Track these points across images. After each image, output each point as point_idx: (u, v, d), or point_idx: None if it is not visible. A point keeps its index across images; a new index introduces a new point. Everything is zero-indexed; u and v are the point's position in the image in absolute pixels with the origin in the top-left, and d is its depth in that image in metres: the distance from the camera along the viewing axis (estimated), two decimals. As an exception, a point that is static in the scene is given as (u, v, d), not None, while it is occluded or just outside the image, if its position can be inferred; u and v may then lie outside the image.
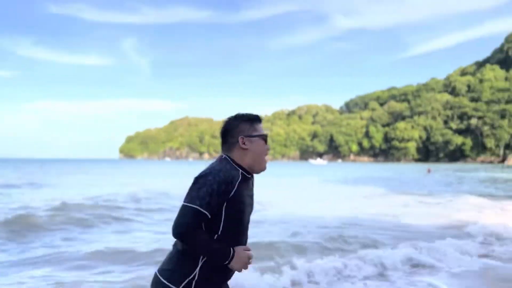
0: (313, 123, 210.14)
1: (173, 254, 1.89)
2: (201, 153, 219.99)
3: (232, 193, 1.82)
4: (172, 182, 25.49)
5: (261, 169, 1.95)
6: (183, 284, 1.81)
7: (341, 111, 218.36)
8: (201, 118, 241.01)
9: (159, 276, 1.85)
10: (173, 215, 1.80)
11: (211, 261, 1.82)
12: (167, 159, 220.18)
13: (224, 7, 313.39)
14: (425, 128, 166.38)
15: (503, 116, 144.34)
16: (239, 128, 1.94)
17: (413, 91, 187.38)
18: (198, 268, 1.83)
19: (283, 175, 37.10)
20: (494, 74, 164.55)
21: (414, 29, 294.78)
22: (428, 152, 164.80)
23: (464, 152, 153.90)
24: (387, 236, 7.64)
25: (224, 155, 1.94)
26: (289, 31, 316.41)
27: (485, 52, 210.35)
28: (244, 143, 1.92)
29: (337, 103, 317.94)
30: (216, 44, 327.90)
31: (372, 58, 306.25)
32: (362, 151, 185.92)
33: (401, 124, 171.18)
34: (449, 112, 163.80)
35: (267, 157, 1.98)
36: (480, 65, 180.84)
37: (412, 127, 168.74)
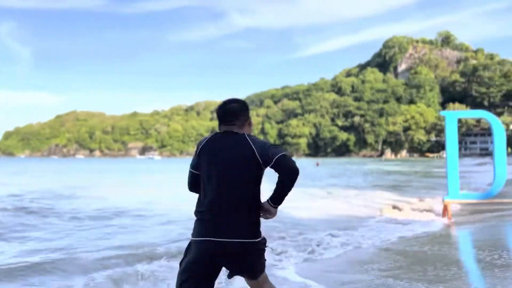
0: (211, 119, 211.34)
1: None
2: (91, 150, 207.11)
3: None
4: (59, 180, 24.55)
5: None
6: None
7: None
8: (91, 112, 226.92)
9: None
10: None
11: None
12: (54, 157, 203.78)
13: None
14: (314, 125, 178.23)
15: (381, 115, 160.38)
16: (248, 111, 2.59)
17: (304, 90, 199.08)
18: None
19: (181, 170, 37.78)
20: (374, 76, 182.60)
21: (306, 31, 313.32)
22: (318, 147, 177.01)
23: (348, 147, 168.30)
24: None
25: (242, 132, 2.49)
26: (187, 26, 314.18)
27: (367, 56, 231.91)
28: (250, 122, 2.62)
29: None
30: (110, 35, 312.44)
31: (267, 56, 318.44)
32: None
33: (293, 121, 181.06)
34: (335, 110, 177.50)
35: None
36: (362, 67, 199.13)
37: (303, 124, 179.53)
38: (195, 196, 2.50)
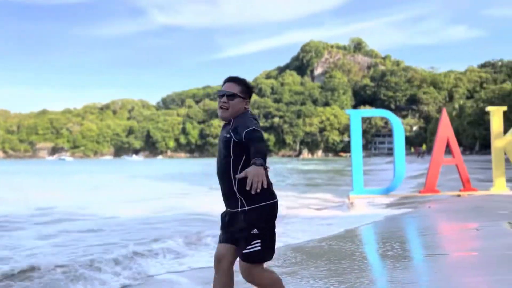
0: (128, 118, 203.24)
1: None
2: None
3: None
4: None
5: (219, 117, 2.65)
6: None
7: (157, 107, 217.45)
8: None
9: None
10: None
11: None
12: None
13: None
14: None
15: (299, 116, 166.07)
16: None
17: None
18: None
19: (93, 172, 35.72)
20: (292, 79, 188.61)
21: (227, 32, 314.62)
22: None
23: (268, 147, 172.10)
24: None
25: None
26: (102, 21, 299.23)
27: (285, 59, 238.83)
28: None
29: (154, 99, 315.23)
30: (15, 28, 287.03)
31: (188, 56, 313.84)
32: (179, 147, 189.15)
33: (215, 121, 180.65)
34: (256, 111, 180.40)
35: (219, 109, 2.61)
36: (282, 70, 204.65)
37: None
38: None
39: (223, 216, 2.58)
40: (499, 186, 10.20)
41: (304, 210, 10.47)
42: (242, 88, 2.60)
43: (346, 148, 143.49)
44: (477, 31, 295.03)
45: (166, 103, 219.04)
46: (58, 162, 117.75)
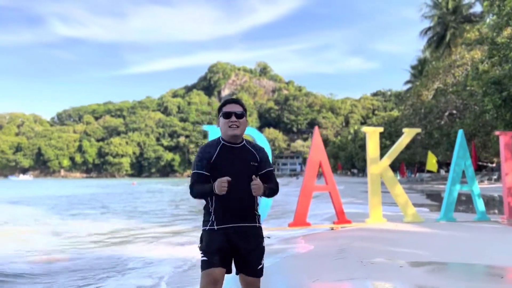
0: (17, 134, 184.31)
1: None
2: None
3: (213, 158, 2.60)
4: None
5: (229, 136, 2.63)
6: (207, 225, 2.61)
7: (52, 123, 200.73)
8: None
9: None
10: None
11: (209, 197, 2.59)
12: None
13: None
14: (139, 144, 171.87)
15: (205, 136, 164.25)
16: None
17: (129, 108, 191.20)
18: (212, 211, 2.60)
19: None
20: (200, 98, 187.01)
21: (134, 49, 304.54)
22: (142, 167, 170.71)
23: (173, 167, 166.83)
24: None
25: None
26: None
27: (193, 79, 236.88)
28: (217, 124, 2.75)
29: (48, 114, 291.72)
30: None
31: (90, 70, 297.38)
32: (74, 166, 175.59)
33: (116, 139, 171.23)
34: (161, 130, 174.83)
35: (230, 128, 2.59)
36: (189, 89, 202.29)
37: (127, 142, 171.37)
38: None
39: (224, 235, 2.57)
40: (375, 217, 9.09)
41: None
42: (245, 109, 2.73)
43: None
44: (371, 63, 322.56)
45: (62, 119, 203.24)
46: None
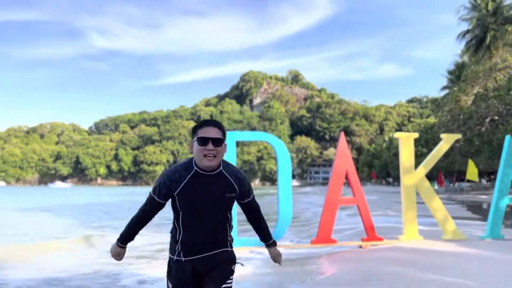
0: (57, 143, 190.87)
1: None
2: None
3: (180, 187, 2.30)
4: None
5: (203, 166, 2.29)
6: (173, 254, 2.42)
7: (90, 132, 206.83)
8: None
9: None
10: None
11: (176, 221, 2.39)
12: None
13: None
14: (172, 153, 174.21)
15: (236, 145, 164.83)
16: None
17: (163, 117, 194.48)
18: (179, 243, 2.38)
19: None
20: (232, 107, 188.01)
21: (168, 59, 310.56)
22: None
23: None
24: None
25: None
26: (35, 41, 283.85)
27: (225, 88, 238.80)
28: (190, 148, 2.38)
29: (86, 123, 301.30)
30: None
31: (126, 81, 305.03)
32: (110, 174, 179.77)
33: (150, 148, 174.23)
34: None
35: (204, 158, 2.26)
36: (221, 98, 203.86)
37: (161, 151, 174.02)
38: None
39: (192, 266, 2.38)
40: (410, 234, 8.09)
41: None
42: (224, 134, 2.35)
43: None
44: (405, 70, 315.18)
45: (99, 128, 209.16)
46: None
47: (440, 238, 8.27)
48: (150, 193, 2.36)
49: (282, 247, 8.00)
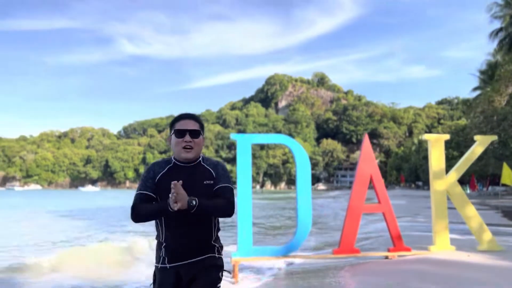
0: (87, 147, 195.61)
1: None
2: None
3: (158, 177, 2.30)
4: None
5: (181, 158, 2.32)
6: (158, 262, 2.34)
7: (118, 136, 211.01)
8: None
9: None
10: None
11: (157, 220, 2.28)
12: None
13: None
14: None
15: (262, 148, 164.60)
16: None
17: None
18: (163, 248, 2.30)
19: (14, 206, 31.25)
20: (257, 110, 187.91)
21: (195, 64, 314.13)
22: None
23: (231, 178, 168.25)
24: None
25: None
26: (67, 49, 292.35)
27: (251, 91, 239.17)
28: (168, 141, 2.44)
29: (115, 128, 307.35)
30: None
31: (154, 86, 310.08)
32: (138, 177, 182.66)
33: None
34: (220, 142, 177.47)
35: (182, 149, 2.30)
36: (246, 101, 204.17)
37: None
38: None
39: (176, 274, 2.30)
40: (441, 244, 7.46)
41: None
42: (201, 125, 2.43)
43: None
44: (434, 71, 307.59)
45: (128, 132, 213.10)
46: (5, 192, 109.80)
47: (474, 249, 7.60)
48: (136, 194, 2.31)
49: (302, 258, 7.51)
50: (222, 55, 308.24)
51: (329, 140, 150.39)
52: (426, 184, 75.64)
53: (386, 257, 7.31)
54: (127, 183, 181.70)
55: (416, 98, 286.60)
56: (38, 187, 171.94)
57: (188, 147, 2.28)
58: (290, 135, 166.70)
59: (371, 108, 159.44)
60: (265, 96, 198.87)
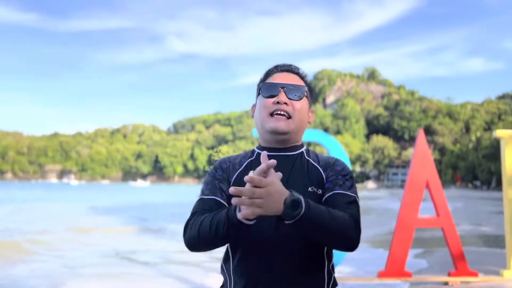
0: (138, 142, 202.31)
1: None
2: (2, 172, 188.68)
3: (235, 176, 1.43)
4: None
5: (268, 130, 1.41)
6: None
7: (168, 132, 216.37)
8: (5, 132, 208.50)
9: None
10: None
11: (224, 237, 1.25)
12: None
13: (51, 12, 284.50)
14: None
15: (309, 144, 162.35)
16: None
17: (236, 117, 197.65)
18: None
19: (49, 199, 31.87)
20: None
21: (243, 61, 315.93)
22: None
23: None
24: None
25: None
26: (121, 48, 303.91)
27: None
28: (251, 113, 1.54)
29: (165, 124, 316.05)
30: (37, 52, 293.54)
31: (202, 82, 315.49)
32: (187, 172, 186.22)
33: (224, 148, 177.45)
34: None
35: (270, 117, 1.41)
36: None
37: (234, 150, 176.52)
38: None
39: None
40: (519, 268, 5.92)
41: None
42: (308, 88, 1.50)
43: (358, 179, 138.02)
44: (494, 64, 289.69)
45: (177, 128, 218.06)
46: (60, 185, 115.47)
47: None
48: (197, 201, 1.43)
49: (340, 280, 6.24)
50: (270, 50, 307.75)
51: (380, 137, 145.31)
52: (484, 184, 70.76)
53: (446, 283, 5.85)
54: (176, 178, 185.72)
55: (474, 93, 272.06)
56: (106, 181, 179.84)
57: (281, 112, 1.39)
58: (338, 131, 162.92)
59: (425, 103, 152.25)
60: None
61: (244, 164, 1.43)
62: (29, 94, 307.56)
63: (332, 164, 1.41)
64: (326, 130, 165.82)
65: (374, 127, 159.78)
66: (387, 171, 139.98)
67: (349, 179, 1.38)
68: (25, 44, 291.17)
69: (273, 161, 1.15)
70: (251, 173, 1.14)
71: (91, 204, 27.20)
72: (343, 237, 1.24)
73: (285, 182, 1.26)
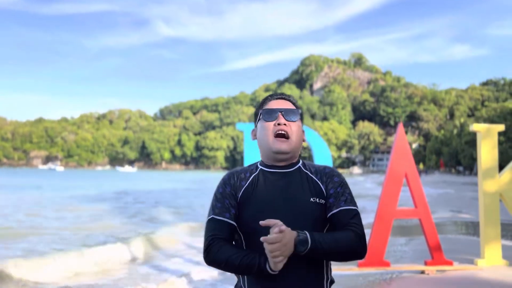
0: (125, 128, 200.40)
1: None
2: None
3: (241, 193, 1.59)
4: None
5: (273, 151, 1.60)
6: None
7: (155, 118, 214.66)
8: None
9: None
10: None
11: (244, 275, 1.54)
12: None
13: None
14: (232, 138, 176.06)
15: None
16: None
17: (223, 103, 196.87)
18: None
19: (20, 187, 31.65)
20: (291, 92, 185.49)
21: (230, 46, 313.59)
22: (235, 160, 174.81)
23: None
24: None
25: None
26: (107, 32, 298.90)
27: (285, 73, 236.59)
28: (253, 135, 1.73)
29: (152, 110, 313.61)
30: (19, 35, 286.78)
31: (189, 68, 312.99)
32: (174, 158, 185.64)
33: (211, 134, 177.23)
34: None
35: (273, 138, 1.60)
36: (281, 83, 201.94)
37: (221, 136, 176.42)
38: None
39: None
40: (491, 257, 6.18)
41: None
42: (300, 112, 1.70)
43: (344, 164, 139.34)
44: (479, 50, 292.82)
45: (164, 114, 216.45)
46: (46, 171, 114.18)
47: (533, 263, 6.26)
48: (208, 219, 1.59)
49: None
50: (257, 36, 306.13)
51: (366, 123, 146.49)
52: (467, 169, 72.16)
53: (422, 272, 6.11)
54: (163, 164, 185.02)
55: (459, 79, 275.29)
56: (99, 168, 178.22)
57: (282, 132, 1.58)
58: (325, 117, 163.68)
59: (411, 89, 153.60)
60: (299, 78, 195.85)
61: (249, 180, 1.60)
62: (12, 79, 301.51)
63: (327, 174, 1.60)
64: (313, 116, 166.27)
65: (360, 113, 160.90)
66: (373, 157, 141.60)
67: (347, 188, 1.59)
68: (8, 29, 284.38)
69: (282, 226, 1.36)
70: (264, 223, 1.40)
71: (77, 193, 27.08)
72: (350, 254, 1.48)
73: (290, 196, 1.53)
